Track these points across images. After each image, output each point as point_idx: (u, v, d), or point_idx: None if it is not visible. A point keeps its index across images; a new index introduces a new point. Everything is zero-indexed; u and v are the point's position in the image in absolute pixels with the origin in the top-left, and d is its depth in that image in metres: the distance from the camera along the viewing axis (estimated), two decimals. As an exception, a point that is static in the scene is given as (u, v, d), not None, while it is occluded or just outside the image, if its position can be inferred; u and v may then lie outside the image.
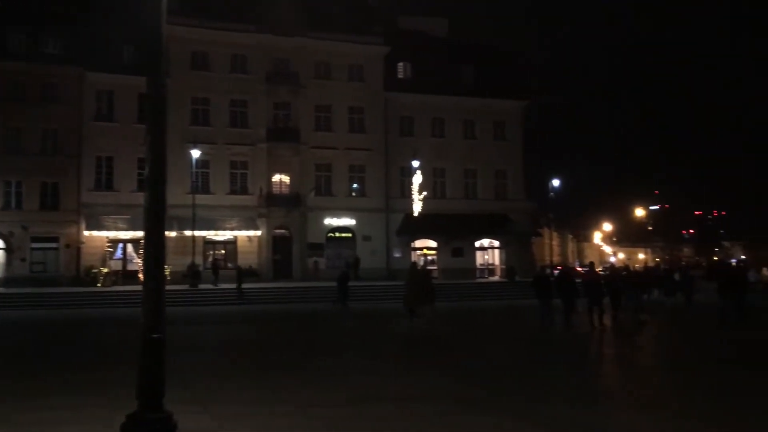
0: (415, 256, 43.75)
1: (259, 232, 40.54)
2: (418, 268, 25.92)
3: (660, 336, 18.71)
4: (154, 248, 5.27)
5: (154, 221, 5.27)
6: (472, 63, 45.77)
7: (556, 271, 32.99)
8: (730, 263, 44.37)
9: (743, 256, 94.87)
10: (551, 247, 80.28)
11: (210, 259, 39.43)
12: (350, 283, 29.09)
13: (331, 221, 42.34)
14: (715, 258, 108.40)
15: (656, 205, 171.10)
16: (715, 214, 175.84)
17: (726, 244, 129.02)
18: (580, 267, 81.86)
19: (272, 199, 40.96)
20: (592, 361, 13.98)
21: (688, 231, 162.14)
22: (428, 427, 7.63)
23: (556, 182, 49.06)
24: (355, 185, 43.54)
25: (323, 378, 10.82)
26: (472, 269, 44.68)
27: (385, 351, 15.09)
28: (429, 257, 44.70)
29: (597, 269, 23.41)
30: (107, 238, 38.37)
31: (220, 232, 39.86)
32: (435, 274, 42.22)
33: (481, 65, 45.80)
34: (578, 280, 20.99)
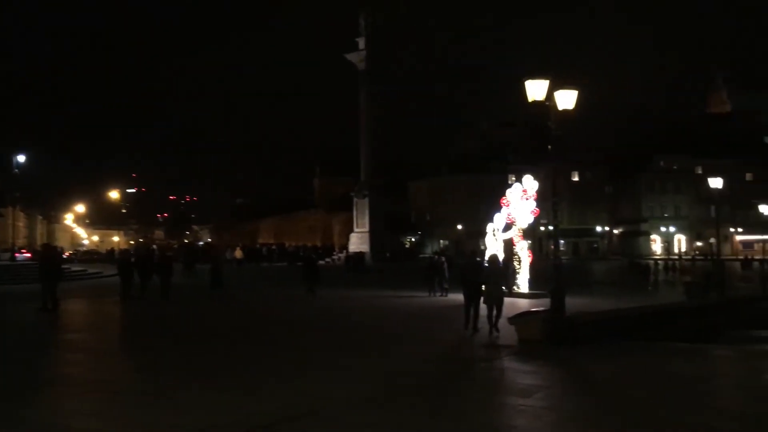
0: None
1: None
2: None
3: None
4: None
5: None
6: None
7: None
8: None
9: (209, 239, 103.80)
10: (16, 228, 73.87)
11: None
12: None
13: None
14: (186, 241, 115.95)
15: (133, 187, 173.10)
16: (188, 199, 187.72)
17: (196, 227, 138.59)
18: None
19: None
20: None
21: (162, 214, 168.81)
22: None
23: (21, 158, 44.93)
24: None
25: None
26: None
27: None
28: None
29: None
30: None
31: None
32: None
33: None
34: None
